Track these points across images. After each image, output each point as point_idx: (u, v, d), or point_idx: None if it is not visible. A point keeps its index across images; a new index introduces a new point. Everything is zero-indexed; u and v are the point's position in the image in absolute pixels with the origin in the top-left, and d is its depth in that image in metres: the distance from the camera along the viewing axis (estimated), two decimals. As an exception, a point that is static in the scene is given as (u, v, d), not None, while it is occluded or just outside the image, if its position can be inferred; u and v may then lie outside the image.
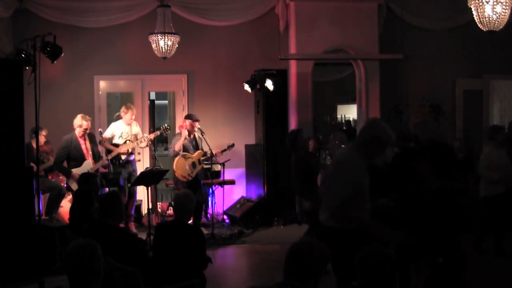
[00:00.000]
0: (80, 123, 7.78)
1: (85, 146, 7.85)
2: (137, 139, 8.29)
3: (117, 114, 8.97)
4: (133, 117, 8.54)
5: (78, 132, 7.79)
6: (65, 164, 7.80)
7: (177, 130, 9.56)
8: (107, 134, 8.35)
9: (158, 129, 8.62)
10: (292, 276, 2.86)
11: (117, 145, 8.27)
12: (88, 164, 7.72)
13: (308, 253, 2.86)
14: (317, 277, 2.88)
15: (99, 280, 2.94)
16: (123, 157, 8.23)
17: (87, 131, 7.81)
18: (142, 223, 8.78)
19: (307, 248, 2.89)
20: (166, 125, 8.73)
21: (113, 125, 8.57)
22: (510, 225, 7.17)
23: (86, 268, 2.90)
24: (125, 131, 8.45)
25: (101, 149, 8.25)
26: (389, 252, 2.90)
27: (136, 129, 8.59)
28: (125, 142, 8.29)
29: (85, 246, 2.96)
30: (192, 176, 8.32)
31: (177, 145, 8.30)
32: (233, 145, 8.86)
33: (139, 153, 9.27)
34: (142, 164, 9.25)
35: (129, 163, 8.35)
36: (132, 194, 8.39)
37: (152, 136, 8.41)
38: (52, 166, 8.14)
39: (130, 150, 8.26)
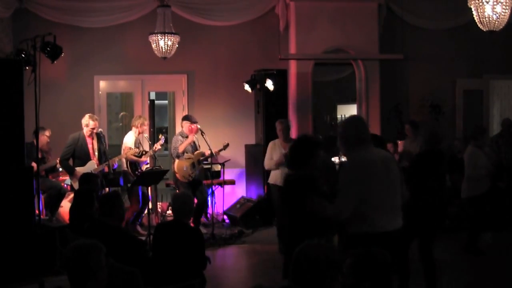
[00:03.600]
0: (87, 122, 7.78)
1: (91, 145, 7.84)
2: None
3: (121, 114, 8.97)
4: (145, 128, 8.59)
5: (85, 131, 7.79)
6: (70, 162, 7.81)
7: (177, 131, 9.56)
8: (129, 145, 8.29)
9: (158, 140, 8.65)
10: (298, 280, 2.73)
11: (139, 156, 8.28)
12: (92, 165, 7.72)
13: (315, 257, 2.71)
14: (326, 283, 2.69)
15: (99, 281, 2.93)
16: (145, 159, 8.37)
17: (95, 131, 7.80)
18: (142, 223, 8.78)
19: (314, 251, 2.74)
20: (161, 135, 8.76)
21: (131, 137, 8.41)
22: (495, 224, 7.21)
23: (87, 267, 2.89)
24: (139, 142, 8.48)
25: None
26: (383, 254, 2.84)
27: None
28: (141, 153, 8.26)
29: (88, 245, 2.95)
30: (193, 176, 8.31)
31: (181, 147, 8.27)
32: (227, 144, 8.66)
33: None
34: (142, 164, 9.25)
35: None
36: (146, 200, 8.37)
37: (157, 146, 8.39)
38: (53, 166, 8.15)
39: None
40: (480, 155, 6.99)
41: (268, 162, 7.62)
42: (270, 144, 7.69)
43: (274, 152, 7.54)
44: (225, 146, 8.64)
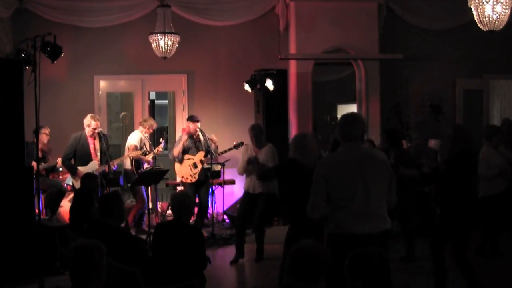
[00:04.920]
0: (88, 122, 7.78)
1: (93, 145, 7.83)
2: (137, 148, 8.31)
3: (122, 114, 8.92)
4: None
5: (87, 131, 7.79)
6: (72, 162, 7.82)
7: (178, 131, 9.55)
8: (135, 143, 8.29)
9: (158, 143, 8.62)
10: (295, 277, 2.84)
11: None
12: (93, 165, 7.72)
13: (312, 254, 2.87)
14: (320, 279, 2.86)
15: (101, 280, 2.93)
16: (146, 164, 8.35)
17: (96, 131, 7.79)
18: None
19: (310, 249, 2.90)
20: (161, 139, 8.75)
21: (137, 136, 8.40)
22: (509, 224, 7.18)
23: (92, 267, 2.89)
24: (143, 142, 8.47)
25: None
26: (380, 253, 2.86)
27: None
28: (145, 153, 8.25)
29: (91, 245, 2.96)
30: (196, 177, 8.28)
31: (175, 150, 8.25)
32: (241, 143, 8.20)
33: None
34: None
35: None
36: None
37: (158, 150, 8.38)
38: (53, 166, 8.15)
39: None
40: (494, 155, 6.96)
41: (239, 167, 7.20)
42: (243, 148, 7.31)
43: (246, 157, 7.11)
44: (237, 145, 8.28)
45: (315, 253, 2.87)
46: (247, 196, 7.11)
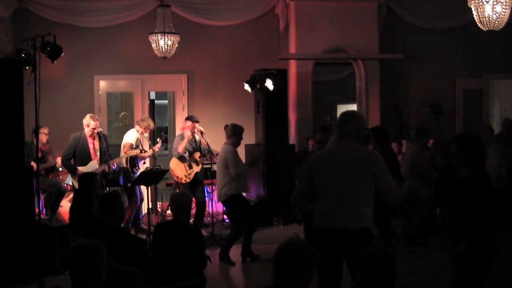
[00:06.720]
0: (88, 122, 7.76)
1: (93, 145, 7.81)
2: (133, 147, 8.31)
3: (122, 114, 8.91)
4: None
5: (86, 131, 7.78)
6: (72, 162, 7.80)
7: (177, 131, 9.54)
8: (131, 141, 8.30)
9: (155, 143, 8.62)
10: (283, 276, 2.91)
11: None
12: (93, 164, 7.71)
13: (297, 252, 2.89)
14: (307, 277, 2.90)
15: (101, 281, 2.93)
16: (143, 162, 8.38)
17: (95, 131, 7.78)
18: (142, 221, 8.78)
19: (296, 246, 2.92)
20: (159, 139, 8.74)
21: (133, 135, 8.39)
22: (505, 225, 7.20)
23: (92, 267, 2.89)
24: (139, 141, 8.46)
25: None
26: (389, 251, 2.91)
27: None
28: (141, 152, 8.25)
29: (92, 245, 2.96)
30: (190, 177, 8.27)
31: (180, 147, 8.23)
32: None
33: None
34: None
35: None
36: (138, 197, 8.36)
37: (155, 149, 8.38)
38: (53, 166, 8.15)
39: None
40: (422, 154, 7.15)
41: (243, 166, 7.00)
42: (234, 150, 6.94)
43: (239, 158, 7.07)
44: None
45: (299, 251, 2.89)
46: (242, 197, 7.10)
